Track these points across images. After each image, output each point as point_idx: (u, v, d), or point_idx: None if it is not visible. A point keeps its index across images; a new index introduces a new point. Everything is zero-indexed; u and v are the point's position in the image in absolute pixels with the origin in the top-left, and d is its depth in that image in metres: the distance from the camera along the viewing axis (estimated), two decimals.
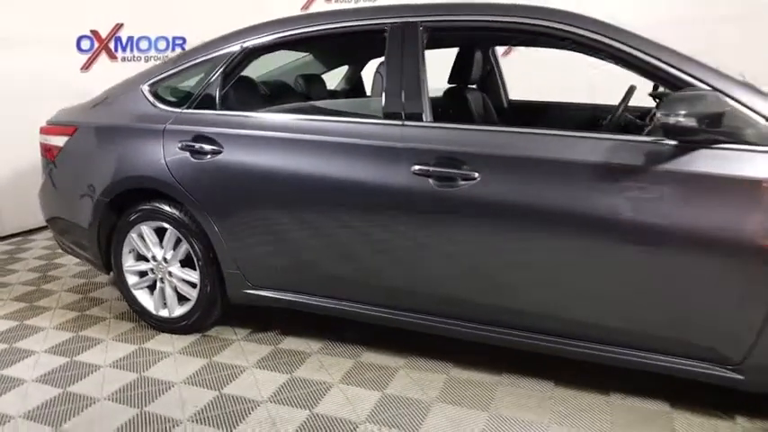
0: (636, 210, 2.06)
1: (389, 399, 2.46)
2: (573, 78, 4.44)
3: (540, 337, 2.33)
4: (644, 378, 2.38)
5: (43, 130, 3.35)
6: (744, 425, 2.22)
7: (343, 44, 3.63)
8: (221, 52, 2.91)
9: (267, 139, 2.67)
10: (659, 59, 2.09)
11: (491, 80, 3.81)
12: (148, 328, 3.17)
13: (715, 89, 1.99)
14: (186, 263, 2.98)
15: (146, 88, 3.04)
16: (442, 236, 2.38)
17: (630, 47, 2.13)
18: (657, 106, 2.30)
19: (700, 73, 2.04)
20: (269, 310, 2.96)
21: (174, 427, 2.31)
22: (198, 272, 2.93)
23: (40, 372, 2.75)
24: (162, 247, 3.00)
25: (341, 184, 2.50)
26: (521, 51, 5.14)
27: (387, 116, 2.48)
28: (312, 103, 3.35)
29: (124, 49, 5.71)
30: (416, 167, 2.35)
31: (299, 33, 2.78)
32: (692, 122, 1.89)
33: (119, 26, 5.63)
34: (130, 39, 5.74)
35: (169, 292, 3.04)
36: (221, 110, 2.86)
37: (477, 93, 3.56)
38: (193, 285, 2.96)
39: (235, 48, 2.88)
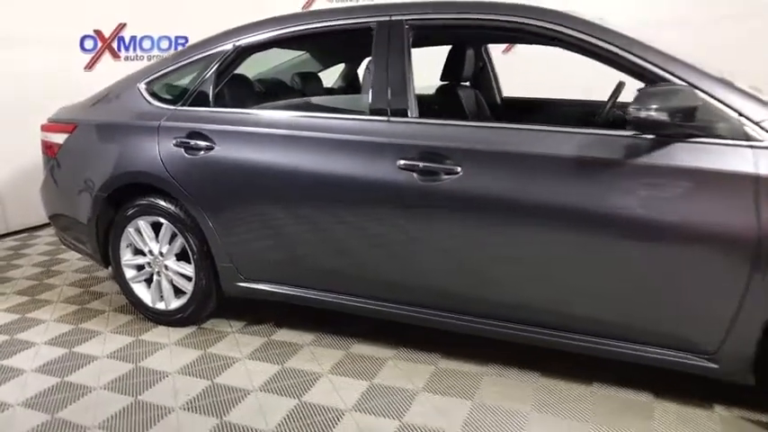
0: (612, 203, 2.11)
1: (377, 388, 2.52)
2: (572, 75, 4.47)
3: (520, 327, 2.38)
4: (629, 369, 2.43)
5: (44, 128, 3.43)
6: (721, 413, 2.27)
7: (334, 42, 3.69)
8: (215, 50, 2.98)
9: (258, 136, 2.73)
10: (636, 55, 2.13)
11: (484, 77, 3.85)
12: (146, 320, 3.24)
13: (690, 84, 2.03)
14: (182, 257, 3.05)
15: (142, 86, 3.12)
16: (427, 229, 2.43)
17: (606, 42, 2.17)
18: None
19: (676, 69, 2.08)
20: (264, 303, 3.02)
21: (166, 414, 2.38)
22: (193, 265, 2.99)
23: (39, 362, 2.83)
24: (158, 242, 3.07)
25: (329, 179, 2.56)
26: (520, 49, 5.19)
27: (373, 112, 2.54)
28: (302, 99, 3.42)
29: (127, 49, 5.80)
30: (402, 162, 2.41)
31: (289, 32, 2.84)
32: (663, 116, 1.94)
33: (122, 26, 5.72)
34: (133, 38, 5.83)
35: (165, 285, 3.12)
36: (215, 107, 2.93)
37: (469, 90, 3.60)
38: (189, 279, 3.04)
39: (228, 46, 2.95)
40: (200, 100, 2.95)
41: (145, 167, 2.96)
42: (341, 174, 2.54)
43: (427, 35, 2.84)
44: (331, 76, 4.37)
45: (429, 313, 2.55)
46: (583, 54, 2.26)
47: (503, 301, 2.40)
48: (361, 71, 4.24)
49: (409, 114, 2.48)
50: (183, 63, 3.08)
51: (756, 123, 1.97)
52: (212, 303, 3.09)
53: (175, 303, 3.11)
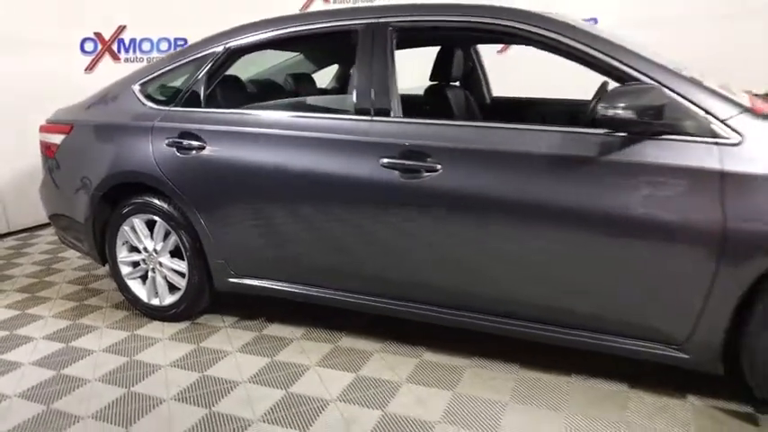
0: (585, 199, 2.18)
1: (362, 379, 2.59)
2: (570, 75, 4.52)
3: (499, 320, 2.46)
4: (608, 361, 2.50)
5: (42, 129, 3.52)
6: (694, 402, 2.33)
7: (323, 44, 3.78)
8: (206, 52, 3.07)
9: (247, 135, 2.82)
10: (607, 55, 2.21)
11: (473, 77, 3.92)
12: (141, 316, 3.33)
13: (659, 83, 2.10)
14: (176, 254, 3.14)
15: (137, 88, 3.21)
16: (409, 225, 2.51)
17: (578, 42, 2.25)
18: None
19: (645, 68, 2.16)
20: (257, 299, 3.11)
21: (157, 405, 2.47)
22: (186, 262, 3.08)
23: (37, 356, 2.92)
24: (153, 239, 3.15)
25: (316, 177, 2.64)
26: (519, 49, 5.24)
27: (357, 112, 2.62)
28: (291, 100, 3.49)
29: (127, 51, 5.91)
30: (384, 160, 2.48)
31: (278, 35, 2.93)
32: (630, 115, 2.01)
33: (121, 28, 5.82)
34: (133, 40, 5.93)
35: (160, 281, 3.20)
36: (206, 107, 3.02)
37: (458, 89, 3.66)
38: (182, 275, 3.12)
39: (219, 48, 3.04)
40: (193, 101, 3.04)
41: (139, 167, 3.04)
42: (327, 172, 2.62)
43: (410, 37, 2.91)
44: (326, 76, 4.45)
45: (412, 306, 2.63)
46: (556, 54, 2.34)
47: (482, 294, 2.48)
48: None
49: (392, 114, 2.55)
50: (176, 65, 3.17)
51: (722, 121, 2.03)
52: (205, 299, 3.17)
53: (169, 299, 3.20)
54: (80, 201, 3.26)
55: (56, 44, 5.33)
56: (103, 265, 3.46)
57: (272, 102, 3.25)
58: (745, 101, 2.17)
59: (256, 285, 2.97)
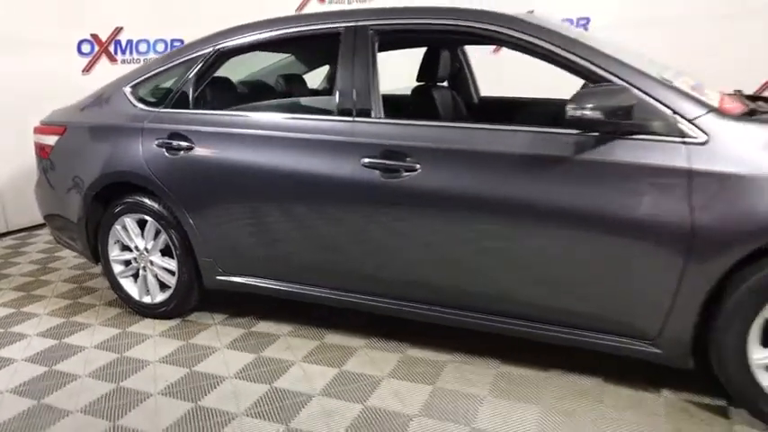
0: (558, 197, 2.23)
1: (345, 374, 2.65)
2: (564, 74, 4.56)
3: (478, 315, 2.52)
4: (587, 357, 2.55)
5: (37, 130, 3.59)
6: (668, 397, 2.38)
7: (310, 46, 3.84)
8: (195, 54, 3.13)
9: (234, 136, 2.88)
10: (579, 56, 2.26)
11: (461, 77, 3.98)
12: (134, 313, 3.40)
13: (628, 84, 2.15)
14: (166, 252, 3.20)
15: (128, 90, 3.27)
16: (390, 223, 2.56)
17: (551, 44, 2.30)
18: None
19: (615, 69, 2.21)
20: (247, 296, 3.17)
21: (145, 399, 2.53)
22: (176, 260, 3.14)
23: (30, 353, 2.99)
24: (144, 238, 3.22)
25: (300, 177, 2.70)
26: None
27: (340, 113, 2.68)
28: (277, 101, 3.55)
29: (124, 52, 5.97)
30: (366, 160, 2.54)
31: (264, 37, 2.99)
32: (598, 115, 2.06)
33: (118, 30, 5.88)
34: (130, 42, 5.99)
35: (151, 279, 3.27)
36: (195, 109, 3.08)
37: (445, 90, 3.72)
38: (172, 273, 3.19)
39: (208, 50, 3.10)
40: (182, 102, 3.11)
41: (129, 167, 3.11)
42: (311, 172, 2.68)
43: (391, 40, 2.97)
44: (317, 77, 4.51)
45: (393, 303, 2.69)
46: (531, 55, 2.39)
47: (459, 290, 2.53)
48: None
49: (373, 115, 2.61)
50: (166, 67, 3.23)
51: (690, 121, 2.08)
52: (195, 297, 3.24)
53: (160, 297, 3.27)
54: (73, 201, 3.33)
55: (54, 45, 5.40)
56: (97, 264, 3.53)
57: (258, 103, 3.32)
58: (715, 101, 2.22)
59: (243, 283, 3.03)
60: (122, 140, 3.15)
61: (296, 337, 3.05)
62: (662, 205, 2.09)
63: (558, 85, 4.00)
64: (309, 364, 2.76)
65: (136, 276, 3.34)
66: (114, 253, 3.34)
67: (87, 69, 5.74)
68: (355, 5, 6.79)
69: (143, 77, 3.28)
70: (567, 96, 3.67)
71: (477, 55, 4.15)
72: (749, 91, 5.20)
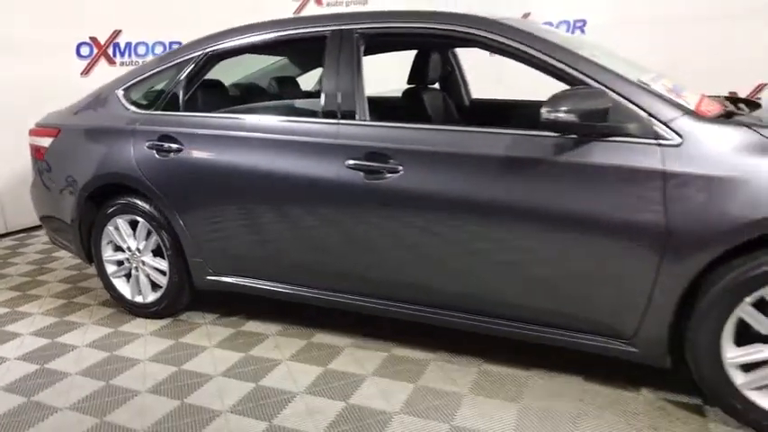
0: (537, 198, 2.27)
1: (330, 373, 2.69)
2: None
3: (461, 315, 2.55)
4: (569, 356, 2.59)
5: (32, 132, 3.65)
6: (647, 395, 2.41)
7: (298, 50, 3.88)
8: (186, 57, 3.18)
9: (222, 138, 2.92)
10: (556, 59, 2.30)
11: (452, 80, 4.01)
12: (126, 313, 3.44)
13: (604, 86, 2.19)
14: (158, 253, 3.25)
15: (120, 92, 3.32)
16: (373, 224, 2.60)
17: (533, 48, 2.34)
18: None
19: (592, 72, 2.25)
20: (238, 296, 3.21)
21: (133, 396, 2.58)
22: (167, 261, 3.19)
23: (22, 351, 3.04)
24: (136, 239, 3.27)
25: (286, 178, 2.75)
26: None
27: (326, 115, 2.72)
28: (264, 103, 3.60)
29: (122, 55, 6.02)
30: (350, 162, 2.58)
31: (254, 40, 3.04)
32: (572, 118, 2.10)
33: (117, 32, 5.94)
34: (128, 44, 6.05)
35: (143, 279, 3.32)
36: (185, 111, 3.13)
37: (436, 92, 3.75)
38: (164, 273, 3.23)
39: (198, 53, 3.15)
40: (172, 104, 3.16)
41: (121, 169, 3.16)
42: (298, 174, 2.72)
43: (377, 43, 3.01)
44: (311, 79, 4.55)
45: (379, 303, 2.73)
46: (511, 58, 2.42)
47: (442, 289, 2.57)
48: None
49: (357, 117, 2.65)
50: (157, 69, 3.29)
51: (664, 123, 2.12)
52: (186, 297, 3.28)
53: (152, 297, 3.31)
54: (67, 202, 3.38)
55: (53, 48, 5.45)
56: (90, 265, 3.58)
57: (248, 105, 3.36)
58: (693, 103, 2.25)
59: (233, 283, 3.08)
60: (114, 142, 3.20)
61: (284, 336, 3.09)
62: (637, 206, 2.12)
63: (557, 85, 4.05)
64: (296, 362, 2.81)
65: (128, 276, 3.39)
66: (107, 253, 3.39)
67: (86, 72, 5.80)
68: (352, 8, 6.84)
69: (135, 80, 3.33)
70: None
71: (477, 55, 4.17)
72: (745, 92, 5.24)
